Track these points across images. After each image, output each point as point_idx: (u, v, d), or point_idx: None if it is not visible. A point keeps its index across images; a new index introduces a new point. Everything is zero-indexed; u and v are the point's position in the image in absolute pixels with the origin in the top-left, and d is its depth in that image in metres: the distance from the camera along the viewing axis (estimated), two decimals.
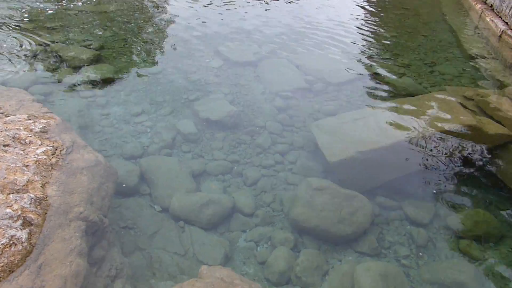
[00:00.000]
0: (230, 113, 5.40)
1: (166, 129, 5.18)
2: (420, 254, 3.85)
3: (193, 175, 4.51)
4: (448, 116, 4.93)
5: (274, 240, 3.86)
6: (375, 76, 6.78)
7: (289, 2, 11.01)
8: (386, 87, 6.39)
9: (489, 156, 4.70)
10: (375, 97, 6.13)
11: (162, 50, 7.38)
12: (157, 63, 6.88)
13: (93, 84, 5.98)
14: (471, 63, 7.35)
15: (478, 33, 9.13)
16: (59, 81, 5.93)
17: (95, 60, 6.53)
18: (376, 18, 10.36)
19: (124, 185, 4.21)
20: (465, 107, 5.18)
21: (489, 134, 4.56)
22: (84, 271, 2.62)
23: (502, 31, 8.16)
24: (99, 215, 3.12)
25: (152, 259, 3.57)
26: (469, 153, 4.71)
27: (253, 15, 9.58)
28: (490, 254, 3.84)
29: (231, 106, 5.59)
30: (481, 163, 4.70)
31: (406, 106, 5.28)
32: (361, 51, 7.89)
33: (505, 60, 7.16)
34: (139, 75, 6.40)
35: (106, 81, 6.08)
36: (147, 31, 8.11)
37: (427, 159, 4.62)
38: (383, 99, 6.00)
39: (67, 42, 7.06)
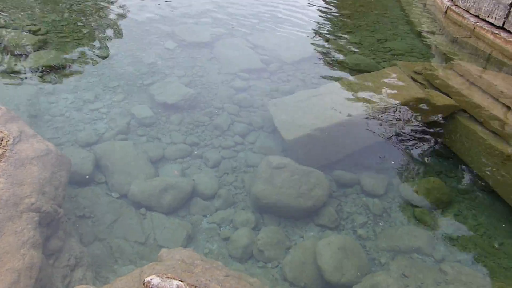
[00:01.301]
0: (186, 96, 5.33)
1: (121, 115, 5.04)
2: (380, 224, 4.01)
3: (151, 160, 4.44)
4: (400, 90, 5.10)
5: (236, 221, 3.89)
6: (330, 54, 6.88)
7: None
8: (340, 65, 6.50)
9: (438, 126, 4.91)
10: (330, 74, 6.22)
11: (114, 34, 7.11)
12: (109, 47, 6.63)
13: (42, 71, 5.70)
14: (420, 39, 7.59)
15: (426, 10, 9.42)
16: (3, 69, 5.60)
17: (42, 46, 6.21)
18: None
19: (87, 177, 4.09)
20: (415, 81, 5.37)
21: (437, 105, 4.77)
22: (39, 263, 2.54)
23: (448, 7, 8.47)
24: (53, 205, 3.02)
25: (112, 248, 3.51)
26: (420, 125, 4.91)
27: None
28: (440, 219, 4.06)
29: (187, 89, 5.51)
30: (431, 133, 4.91)
31: (360, 82, 5.41)
32: (316, 30, 7.95)
33: (450, 35, 7.46)
34: (90, 61, 6.16)
35: (55, 68, 5.81)
36: (98, 15, 7.78)
37: (381, 133, 4.77)
38: (337, 76, 6.11)
39: (10, 26, 6.65)
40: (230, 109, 5.36)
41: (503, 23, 6.43)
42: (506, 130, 4.23)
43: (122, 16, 7.83)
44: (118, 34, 7.13)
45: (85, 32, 6.97)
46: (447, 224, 4.01)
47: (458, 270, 3.39)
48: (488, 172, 4.22)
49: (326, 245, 3.52)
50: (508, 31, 6.30)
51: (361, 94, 5.10)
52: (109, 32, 7.16)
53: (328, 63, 6.56)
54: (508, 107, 4.56)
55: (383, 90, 5.17)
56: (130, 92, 5.51)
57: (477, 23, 7.02)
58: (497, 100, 4.70)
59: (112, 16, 7.81)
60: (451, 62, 5.75)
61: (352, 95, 5.09)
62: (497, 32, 6.46)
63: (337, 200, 4.21)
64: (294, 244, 3.73)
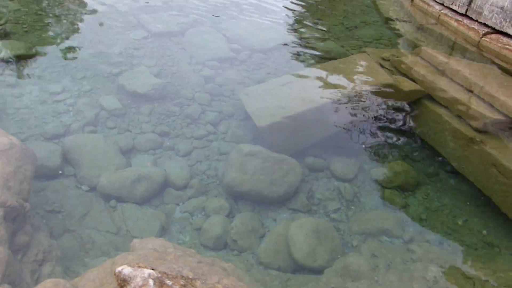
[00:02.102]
0: (156, 86, 5.24)
1: (89, 106, 4.91)
2: (351, 207, 4.10)
3: (122, 151, 4.37)
4: (369, 77, 5.19)
5: (209, 209, 3.89)
6: (300, 41, 6.91)
7: None
8: (310, 52, 6.55)
9: (406, 111, 5.04)
10: (301, 62, 6.26)
11: (80, 23, 6.90)
12: (75, 37, 6.44)
13: (3, 62, 5.48)
14: (388, 26, 7.72)
15: None
16: None
17: (2, 36, 5.96)
18: None
19: (60, 172, 3.99)
20: (383, 67, 5.47)
21: (404, 91, 4.88)
22: (6, 258, 2.48)
23: None
24: (19, 200, 2.94)
25: (83, 240, 3.46)
26: (388, 110, 5.02)
27: None
28: (409, 201, 4.18)
29: (157, 79, 5.43)
30: (399, 118, 5.03)
31: (329, 69, 5.46)
32: (286, 18, 7.96)
33: (417, 23, 7.61)
34: (55, 51, 5.96)
35: (18, 59, 5.60)
36: (63, 3, 7.51)
37: (351, 118, 4.85)
38: (308, 63, 6.15)
39: None
40: (201, 98, 5.31)
41: (466, 10, 6.62)
42: (470, 113, 4.38)
43: (88, 5, 7.59)
44: (84, 24, 6.92)
45: (48, 22, 6.74)
46: (415, 205, 4.14)
47: (426, 249, 3.51)
48: (452, 155, 4.36)
49: (298, 228, 3.58)
50: (471, 18, 6.49)
51: (331, 81, 5.16)
52: (75, 22, 6.94)
53: (299, 50, 6.59)
54: (471, 92, 4.72)
55: (352, 77, 5.24)
56: (98, 83, 5.38)
57: (442, 11, 7.19)
58: (461, 85, 4.85)
59: (77, 5, 7.56)
60: (418, 48, 5.87)
61: (322, 82, 5.15)
62: (460, 19, 6.64)
63: (309, 185, 4.27)
64: (267, 230, 3.77)
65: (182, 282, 2.01)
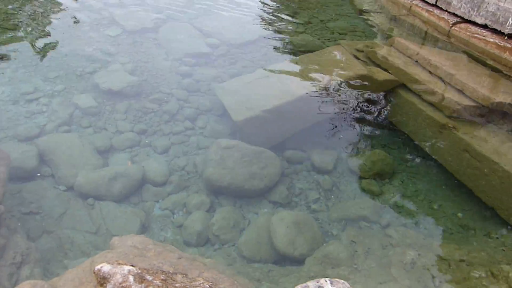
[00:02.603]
0: (132, 83, 5.19)
1: (63, 106, 4.83)
2: (331, 197, 4.16)
3: (99, 151, 4.31)
4: (344, 68, 5.26)
5: (190, 205, 3.89)
6: (276, 35, 6.93)
7: None
8: (286, 45, 6.58)
9: (381, 101, 5.13)
10: (277, 55, 6.29)
11: (52, 22, 6.74)
12: (47, 36, 6.29)
13: None
14: (362, 18, 7.82)
15: None
16: None
17: None
18: None
19: (38, 174, 3.92)
20: (357, 58, 5.55)
21: (379, 81, 4.97)
22: None
23: None
24: None
25: (62, 240, 3.41)
26: (364, 100, 5.10)
27: None
28: (386, 189, 4.27)
29: (132, 76, 5.37)
30: (374, 108, 5.12)
31: (306, 62, 5.51)
32: (261, 12, 7.96)
33: (390, 14, 7.74)
34: (27, 51, 5.81)
35: None
36: (33, 1, 7.32)
37: (327, 109, 4.91)
38: (284, 56, 6.18)
39: None
40: (178, 95, 5.28)
41: (436, 1, 6.76)
42: (442, 101, 4.49)
43: (60, 3, 7.42)
44: (57, 22, 6.76)
45: (19, 20, 6.56)
46: (392, 192, 4.23)
47: (403, 234, 3.60)
48: (426, 141, 4.47)
49: (279, 221, 3.62)
50: (441, 8, 6.64)
51: (308, 73, 5.20)
52: (47, 20, 6.77)
53: (275, 44, 6.62)
54: (443, 81, 4.84)
55: (328, 69, 5.30)
56: (72, 82, 5.28)
57: (413, 1, 7.32)
58: (433, 74, 4.96)
59: (49, 2, 7.38)
60: (391, 39, 5.97)
61: (299, 74, 5.19)
62: (431, 9, 6.78)
63: (288, 178, 4.31)
64: (249, 222, 3.80)
65: (162, 277, 2.01)
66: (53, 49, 5.97)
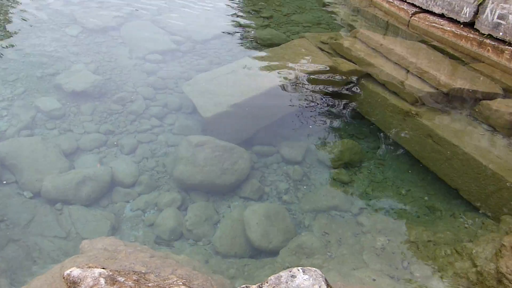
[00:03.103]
0: (96, 83, 5.07)
1: (24, 109, 4.67)
2: (302, 188, 4.20)
3: (64, 153, 4.20)
4: (310, 60, 5.31)
5: (161, 204, 3.85)
6: (241, 30, 6.92)
7: None
8: (252, 40, 6.58)
9: (347, 91, 5.21)
10: (243, 50, 6.28)
11: (9, 22, 6.47)
12: (5, 37, 6.04)
13: None
14: (325, 11, 7.92)
15: None
16: None
17: None
18: None
19: (4, 182, 3.76)
20: (322, 50, 5.62)
21: (344, 72, 5.05)
22: None
23: None
24: None
25: (29, 248, 3.31)
26: (330, 91, 5.17)
27: None
28: (355, 177, 4.36)
29: (96, 76, 5.24)
30: (341, 98, 5.20)
31: (271, 56, 5.53)
32: (225, 7, 7.93)
33: (352, 6, 7.86)
34: None
35: None
36: None
37: (296, 102, 4.96)
38: (250, 51, 6.18)
39: None
40: (144, 93, 5.20)
41: None
42: (405, 89, 4.61)
43: (18, 2, 7.14)
44: (15, 22, 6.50)
45: None
46: (361, 180, 4.33)
47: (373, 220, 3.70)
48: (392, 129, 4.59)
49: (252, 214, 3.64)
50: None
51: (274, 67, 5.23)
52: (4, 20, 6.51)
53: (240, 39, 6.61)
54: (405, 69, 4.96)
55: (294, 62, 5.34)
56: (33, 84, 5.11)
57: None
58: (396, 63, 5.09)
59: (6, 1, 7.08)
60: (354, 30, 6.08)
61: (266, 68, 5.20)
62: (391, 0, 6.94)
63: (259, 171, 4.33)
64: (222, 217, 3.80)
65: (134, 277, 1.99)
66: (11, 50, 5.74)
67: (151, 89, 5.29)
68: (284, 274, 1.87)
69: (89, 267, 2.00)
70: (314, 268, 1.96)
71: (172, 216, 3.70)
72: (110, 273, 1.95)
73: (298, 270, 1.92)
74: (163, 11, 7.43)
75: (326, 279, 1.92)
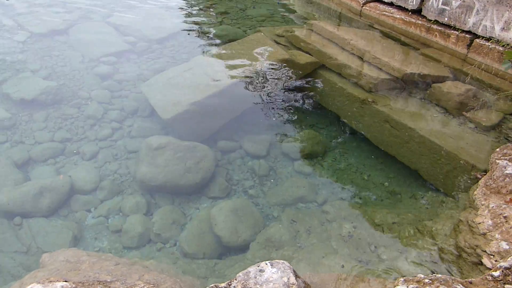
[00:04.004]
0: (47, 90, 4.86)
1: None
2: (268, 182, 4.22)
3: (17, 165, 4.01)
4: (266, 54, 5.32)
5: (125, 209, 3.76)
6: (196, 26, 6.83)
7: None
8: (208, 36, 6.52)
9: (306, 83, 5.27)
10: (199, 47, 6.21)
11: None
12: None
13: None
14: (280, 4, 7.96)
15: None
16: None
17: None
18: None
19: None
20: (278, 43, 5.64)
21: (301, 64, 5.10)
22: None
23: None
24: None
25: None
26: (289, 84, 5.21)
27: None
28: (319, 167, 4.42)
29: (47, 82, 5.03)
30: (300, 90, 5.25)
31: (228, 51, 5.50)
32: (178, 4, 7.80)
33: None
34: None
35: None
36: None
37: (256, 96, 4.96)
38: (206, 48, 6.12)
39: None
40: (100, 97, 5.04)
41: None
42: (360, 77, 4.71)
43: None
44: None
45: None
46: (325, 169, 4.40)
47: (338, 207, 3.76)
48: (351, 117, 4.69)
49: (219, 211, 3.62)
50: None
51: (231, 62, 5.20)
52: None
53: (196, 36, 6.53)
54: (360, 58, 5.07)
55: (251, 56, 5.34)
56: None
57: None
58: (350, 52, 5.19)
59: None
60: (309, 22, 6.14)
61: (223, 64, 5.17)
62: None
63: (224, 168, 4.31)
64: (190, 219, 3.76)
65: (99, 287, 1.93)
66: None
67: (107, 92, 5.14)
68: (252, 269, 1.87)
69: (50, 281, 1.92)
70: (282, 261, 1.97)
71: (138, 220, 3.62)
72: (73, 285, 1.88)
73: (266, 264, 1.93)
74: (114, 12, 7.21)
75: (294, 271, 1.94)
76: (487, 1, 4.65)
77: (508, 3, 4.45)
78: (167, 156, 4.02)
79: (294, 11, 7.51)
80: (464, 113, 4.25)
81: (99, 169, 4.14)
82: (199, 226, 3.63)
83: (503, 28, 4.57)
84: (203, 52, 5.89)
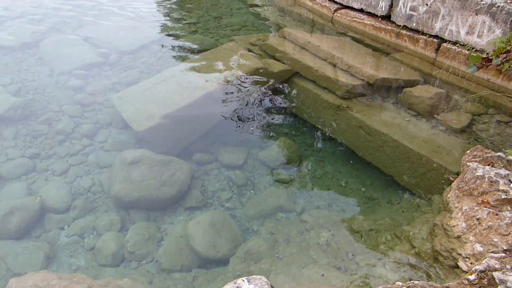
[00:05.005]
0: (16, 105, 4.72)
1: None
2: (246, 193, 4.18)
3: None
4: (240, 63, 5.31)
5: (99, 226, 3.66)
6: (169, 37, 6.78)
7: None
8: (181, 47, 6.47)
9: (280, 91, 5.28)
10: (172, 58, 6.16)
11: None
12: None
13: None
14: (252, 12, 7.99)
15: None
16: None
17: None
18: None
19: None
20: (252, 52, 5.65)
21: (275, 72, 5.11)
22: None
23: None
24: None
25: None
26: (263, 92, 5.21)
27: None
28: (296, 175, 4.42)
29: (15, 97, 4.88)
30: (275, 98, 5.26)
31: (202, 61, 5.46)
32: (150, 15, 7.74)
33: (278, 6, 8.00)
34: None
35: None
36: None
37: (230, 106, 4.93)
38: (180, 58, 6.07)
39: None
40: (71, 111, 4.92)
41: None
42: (334, 83, 4.75)
43: None
44: None
45: None
46: (302, 177, 4.40)
47: (316, 216, 3.76)
48: (326, 124, 4.72)
49: (196, 225, 3.56)
50: None
51: (205, 73, 5.17)
52: None
53: (169, 47, 6.47)
54: (333, 65, 5.12)
55: (225, 66, 5.32)
56: None
57: None
58: (323, 59, 5.23)
59: None
60: (281, 30, 6.17)
61: (197, 75, 5.13)
62: None
63: (200, 180, 4.26)
64: (165, 234, 3.68)
65: None
66: None
67: (79, 106, 5.03)
68: (228, 287, 1.83)
69: None
70: (259, 276, 1.94)
71: (113, 238, 3.53)
72: None
73: (243, 280, 1.89)
74: (85, 23, 7.09)
75: (272, 286, 1.91)
76: (452, 7, 4.78)
77: (471, 8, 4.58)
78: (142, 170, 3.95)
79: (267, 19, 7.55)
80: (435, 116, 4.33)
81: (72, 186, 4.02)
82: (176, 240, 3.56)
83: (468, 32, 4.70)
84: (177, 63, 5.84)
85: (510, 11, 4.28)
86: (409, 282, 2.10)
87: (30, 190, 3.92)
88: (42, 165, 4.22)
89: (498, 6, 4.36)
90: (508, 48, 3.56)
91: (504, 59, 3.39)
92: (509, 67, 3.99)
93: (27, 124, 4.68)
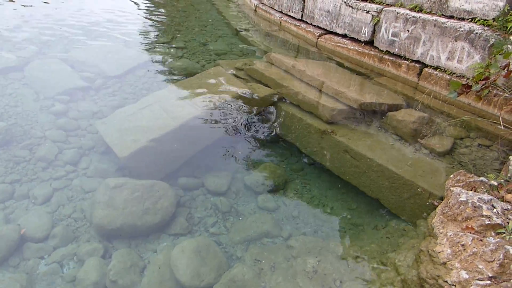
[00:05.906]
0: None
1: None
2: (230, 219, 4.13)
3: None
4: (225, 88, 5.34)
5: (80, 255, 3.56)
6: (155, 62, 6.80)
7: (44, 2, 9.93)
8: (167, 71, 6.49)
9: (265, 115, 5.31)
10: (158, 82, 6.16)
11: None
12: None
13: None
14: (238, 37, 8.09)
15: (240, 10, 10.07)
16: None
17: None
18: (148, 4, 10.33)
19: None
20: (238, 77, 5.69)
21: (260, 97, 5.14)
22: None
23: (256, 5, 9.22)
24: None
25: None
26: (248, 117, 5.22)
27: (7, 16, 8.32)
28: (282, 201, 4.39)
29: None
30: (260, 123, 5.27)
31: (188, 86, 5.48)
32: (137, 39, 7.77)
33: (263, 30, 8.13)
34: None
35: None
36: None
37: (216, 131, 4.92)
38: (165, 83, 6.08)
39: None
40: (54, 136, 4.85)
41: (301, 16, 7.29)
42: (318, 108, 4.79)
43: None
44: None
45: None
46: (288, 202, 4.37)
47: (303, 242, 3.72)
48: (311, 149, 4.73)
49: (180, 253, 3.48)
50: (306, 22, 7.18)
51: (190, 98, 5.17)
52: None
53: (154, 71, 6.49)
54: (318, 89, 5.18)
55: (211, 90, 5.34)
56: None
57: (282, 18, 7.81)
58: (308, 83, 5.29)
59: None
60: (267, 55, 6.25)
61: (182, 100, 5.13)
62: (298, 24, 7.29)
63: (185, 207, 4.20)
64: (148, 262, 3.59)
65: None
66: None
67: (62, 131, 4.96)
68: None
69: None
70: None
71: (95, 267, 3.42)
72: None
73: None
74: (70, 47, 7.08)
75: None
76: (432, 33, 4.91)
77: (450, 35, 4.71)
78: (125, 196, 3.87)
79: (253, 44, 7.64)
80: (419, 140, 4.38)
81: (53, 214, 3.92)
82: (159, 270, 3.47)
83: (448, 58, 4.81)
84: (162, 87, 5.85)
85: (488, 37, 4.41)
86: None
87: (9, 219, 3.81)
88: (22, 192, 4.11)
89: (476, 33, 4.49)
90: (487, 74, 3.65)
91: (483, 86, 3.46)
92: (488, 92, 4.08)
93: (8, 149, 4.60)
